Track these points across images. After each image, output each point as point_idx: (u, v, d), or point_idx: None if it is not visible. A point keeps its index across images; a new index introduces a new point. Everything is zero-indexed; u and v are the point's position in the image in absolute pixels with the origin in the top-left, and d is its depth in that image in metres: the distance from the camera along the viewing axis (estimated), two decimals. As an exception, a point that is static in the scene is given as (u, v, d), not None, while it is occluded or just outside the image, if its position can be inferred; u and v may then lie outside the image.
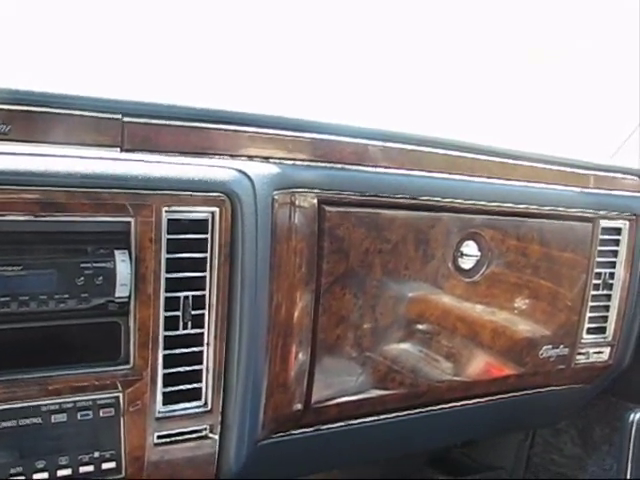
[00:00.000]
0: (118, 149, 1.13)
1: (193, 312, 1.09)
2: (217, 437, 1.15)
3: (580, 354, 1.72)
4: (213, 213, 1.08)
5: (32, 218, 0.96)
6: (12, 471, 0.99)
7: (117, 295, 1.02)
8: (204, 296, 1.10)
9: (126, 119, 1.14)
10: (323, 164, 1.31)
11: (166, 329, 1.08)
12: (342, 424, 1.43)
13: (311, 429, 1.39)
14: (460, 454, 2.19)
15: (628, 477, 1.78)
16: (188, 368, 1.11)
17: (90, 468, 1.05)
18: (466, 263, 1.47)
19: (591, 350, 1.73)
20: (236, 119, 1.24)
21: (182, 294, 1.08)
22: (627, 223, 1.72)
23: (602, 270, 1.70)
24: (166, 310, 1.07)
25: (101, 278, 1.01)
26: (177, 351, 1.09)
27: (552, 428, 2.06)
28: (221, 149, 1.21)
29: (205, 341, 1.11)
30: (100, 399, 1.05)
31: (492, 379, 1.59)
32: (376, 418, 1.47)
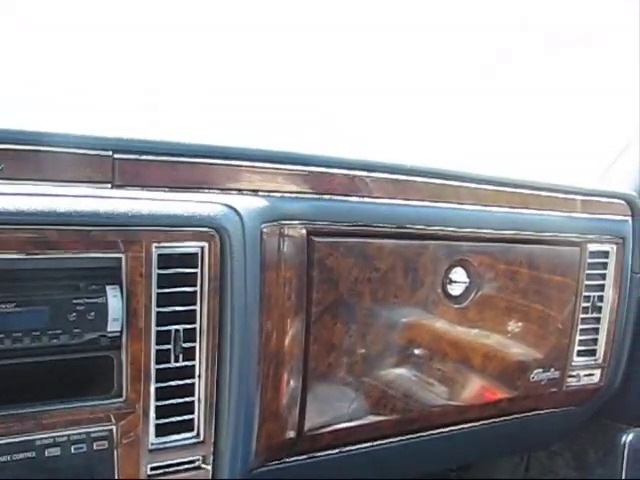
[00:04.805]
0: (109, 185, 1.14)
1: (184, 345, 1.11)
2: (210, 467, 1.16)
3: (571, 377, 1.73)
4: (202, 247, 1.10)
5: (24, 256, 0.98)
6: (7, 506, 1.01)
7: (109, 330, 1.04)
8: (195, 329, 1.11)
9: (117, 156, 1.15)
10: (311, 195, 1.33)
11: (158, 362, 1.09)
12: (336, 451, 1.44)
13: (305, 456, 1.40)
14: (456, 478, 2.20)
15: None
16: (180, 400, 1.12)
17: (84, 501, 1.06)
18: (455, 290, 1.49)
19: (582, 373, 1.75)
20: (224, 153, 1.26)
21: (173, 327, 1.09)
22: (614, 247, 1.74)
23: (591, 293, 1.72)
24: (157, 343, 1.08)
25: (93, 313, 1.02)
26: (169, 383, 1.11)
27: (546, 451, 2.07)
28: (211, 183, 1.23)
29: (196, 373, 1.13)
30: (94, 432, 1.06)
31: (484, 403, 1.61)
32: (370, 444, 1.48)
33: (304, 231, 1.28)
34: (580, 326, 1.71)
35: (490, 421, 1.66)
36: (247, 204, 1.18)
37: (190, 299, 1.11)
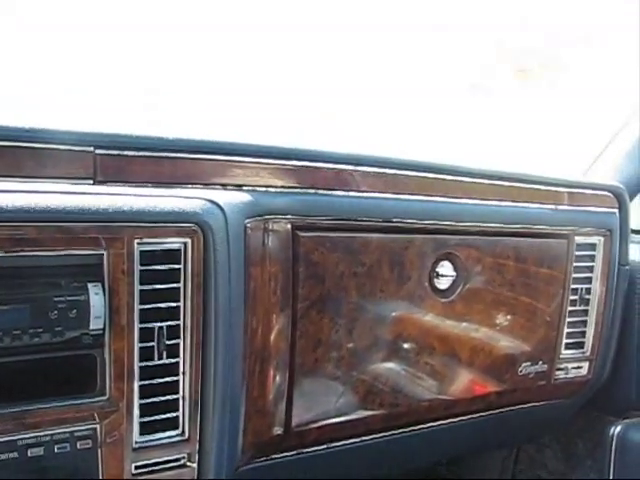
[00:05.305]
0: (91, 181, 1.13)
1: (168, 342, 1.10)
2: (195, 465, 1.15)
3: (559, 370, 1.73)
4: (185, 243, 1.09)
5: (4, 254, 0.97)
6: (-12, 506, 1.00)
7: (91, 327, 1.03)
8: (178, 326, 1.10)
9: (98, 151, 1.13)
10: (296, 190, 1.32)
11: (141, 360, 1.08)
12: (324, 447, 1.43)
13: (292, 453, 1.39)
14: (445, 472, 2.20)
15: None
16: (164, 398, 1.11)
17: (68, 501, 1.05)
18: (442, 283, 1.48)
19: (570, 365, 1.75)
20: (208, 148, 1.24)
21: (156, 324, 1.08)
22: (601, 239, 1.74)
23: (578, 286, 1.72)
24: (141, 341, 1.07)
25: (75, 311, 1.01)
26: (153, 381, 1.10)
27: (535, 443, 2.07)
28: (194, 178, 1.21)
29: (181, 370, 1.12)
30: (77, 431, 1.05)
31: (472, 397, 1.60)
32: (358, 440, 1.48)
33: (289, 226, 1.27)
34: (568, 319, 1.71)
35: (478, 415, 1.66)
36: (231, 199, 1.17)
37: (173, 296, 1.09)
